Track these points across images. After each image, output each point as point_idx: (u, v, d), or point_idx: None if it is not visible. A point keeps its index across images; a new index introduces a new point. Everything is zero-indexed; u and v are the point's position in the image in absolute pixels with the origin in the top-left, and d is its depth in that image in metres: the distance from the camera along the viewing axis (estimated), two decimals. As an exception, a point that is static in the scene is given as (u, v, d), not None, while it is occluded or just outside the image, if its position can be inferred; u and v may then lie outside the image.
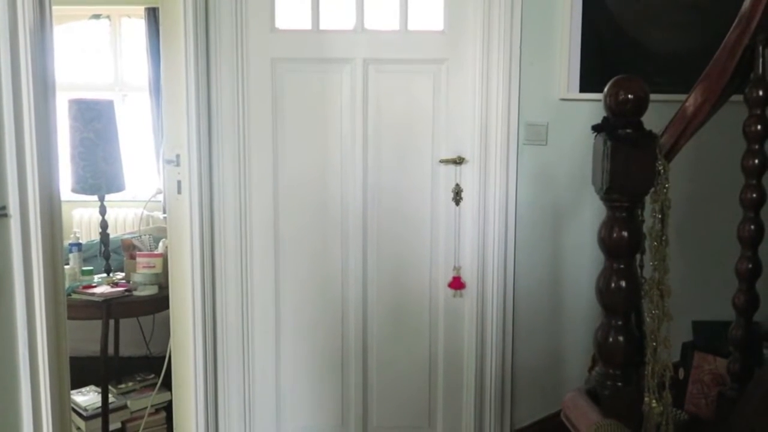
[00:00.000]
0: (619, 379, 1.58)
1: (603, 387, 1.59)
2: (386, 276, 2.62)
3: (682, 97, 1.67)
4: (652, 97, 1.51)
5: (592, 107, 2.42)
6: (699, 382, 2.06)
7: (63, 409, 1.71)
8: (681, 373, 2.10)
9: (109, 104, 2.89)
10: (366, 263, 2.61)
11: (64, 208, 5.06)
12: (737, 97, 1.64)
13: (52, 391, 1.63)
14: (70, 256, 2.89)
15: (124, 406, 2.89)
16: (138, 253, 2.83)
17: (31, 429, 1.57)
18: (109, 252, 2.96)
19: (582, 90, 2.47)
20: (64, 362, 1.75)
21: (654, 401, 1.54)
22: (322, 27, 2.53)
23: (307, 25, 2.53)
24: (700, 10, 2.45)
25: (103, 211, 2.97)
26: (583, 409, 1.58)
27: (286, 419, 2.69)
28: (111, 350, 2.96)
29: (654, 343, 1.55)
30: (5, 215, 1.52)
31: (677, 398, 1.91)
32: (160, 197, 3.59)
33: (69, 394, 1.82)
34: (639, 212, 1.58)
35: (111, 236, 3.08)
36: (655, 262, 1.55)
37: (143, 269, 2.75)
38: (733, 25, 1.60)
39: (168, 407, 2.89)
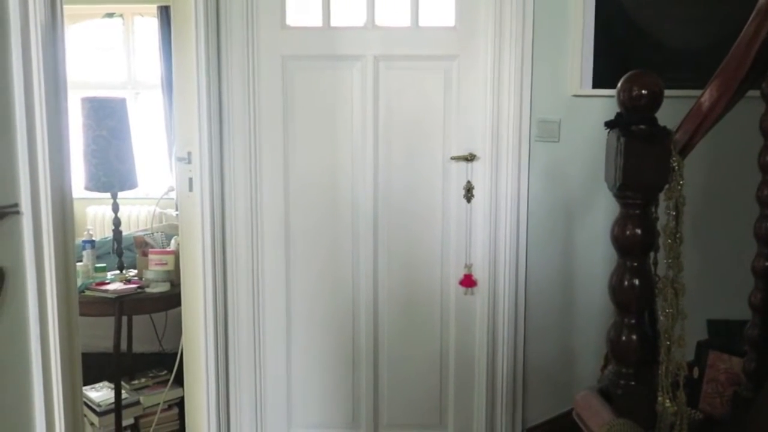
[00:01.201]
0: (632, 378, 1.56)
1: (616, 386, 1.57)
2: (397, 273, 2.61)
3: (698, 92, 1.64)
4: (667, 92, 1.49)
5: (606, 103, 2.39)
6: (714, 381, 2.03)
7: (75, 404, 1.73)
8: (696, 372, 2.07)
9: (122, 102, 2.91)
10: (377, 260, 2.61)
11: (78, 205, 5.09)
12: (754, 92, 1.62)
13: (64, 386, 1.64)
14: (84, 253, 2.91)
15: (137, 402, 2.91)
16: (150, 250, 2.85)
17: (44, 424, 1.58)
18: (121, 249, 2.98)
19: (595, 86, 2.45)
20: (77, 358, 1.76)
21: (668, 401, 1.52)
22: (332, 24, 2.52)
23: (317, 22, 2.53)
24: (716, 3, 2.41)
25: (115, 208, 2.99)
26: (595, 408, 1.57)
27: (298, 415, 2.69)
28: (124, 347, 2.98)
29: (668, 342, 1.53)
30: (17, 212, 1.53)
31: (692, 397, 1.89)
32: (173, 194, 3.61)
33: (81, 390, 1.84)
34: (653, 209, 1.57)
35: (124, 233, 3.10)
36: (669, 260, 1.53)
37: (155, 266, 2.76)
38: (750, 18, 1.57)
39: (180, 403, 2.91)
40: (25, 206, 1.54)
